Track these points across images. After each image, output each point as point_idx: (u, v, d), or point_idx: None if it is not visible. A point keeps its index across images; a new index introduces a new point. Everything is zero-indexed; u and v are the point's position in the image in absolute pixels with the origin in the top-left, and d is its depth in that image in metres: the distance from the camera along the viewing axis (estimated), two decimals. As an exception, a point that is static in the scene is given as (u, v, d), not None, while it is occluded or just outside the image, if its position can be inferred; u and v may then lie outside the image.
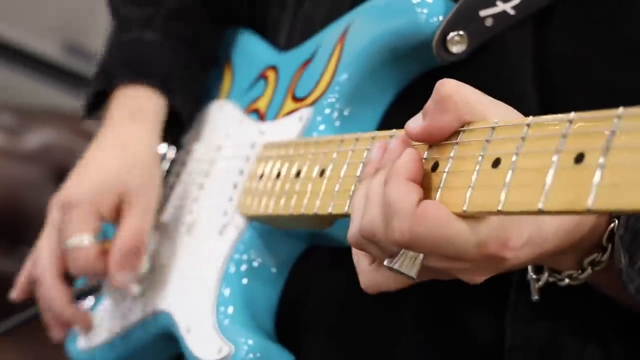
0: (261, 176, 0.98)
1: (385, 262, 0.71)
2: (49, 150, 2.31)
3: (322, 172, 0.87)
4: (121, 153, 1.12)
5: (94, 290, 1.20)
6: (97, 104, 1.19)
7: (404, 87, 0.95)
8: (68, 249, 1.08)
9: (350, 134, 0.87)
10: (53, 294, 1.12)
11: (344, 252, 0.93)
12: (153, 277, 1.12)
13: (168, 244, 1.13)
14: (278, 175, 0.94)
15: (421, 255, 0.69)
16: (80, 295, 1.20)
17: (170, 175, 1.19)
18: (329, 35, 1.01)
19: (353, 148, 0.84)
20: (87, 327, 1.17)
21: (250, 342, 0.92)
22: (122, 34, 1.21)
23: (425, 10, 0.89)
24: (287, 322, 0.99)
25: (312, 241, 0.98)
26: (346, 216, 0.82)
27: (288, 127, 1.00)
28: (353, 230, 0.74)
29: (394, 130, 0.81)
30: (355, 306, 0.97)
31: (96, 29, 2.66)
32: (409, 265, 0.69)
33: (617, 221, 0.76)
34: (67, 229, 1.09)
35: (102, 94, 1.18)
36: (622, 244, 0.76)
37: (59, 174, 2.36)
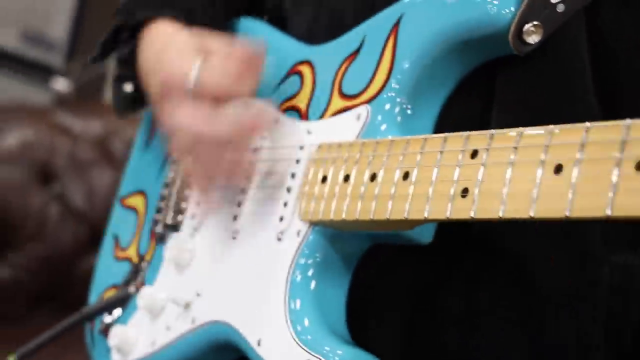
0: (324, 179, 0.92)
1: None
2: (28, 148, 2.23)
3: (405, 176, 0.82)
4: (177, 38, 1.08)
5: (123, 300, 1.16)
6: (116, 43, 1.15)
7: (464, 77, 0.90)
8: (191, 81, 1.00)
9: (431, 136, 0.83)
10: (213, 123, 0.99)
11: (408, 248, 0.92)
12: (197, 288, 1.07)
13: (210, 251, 1.07)
14: (346, 178, 0.89)
15: None
16: (108, 307, 1.16)
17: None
18: (377, 26, 0.95)
19: (442, 148, 0.80)
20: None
21: (339, 352, 0.86)
22: None
23: (496, 2, 0.84)
24: (356, 321, 0.95)
25: (377, 240, 0.93)
26: (440, 221, 0.79)
27: (343, 126, 0.94)
28: None
29: (491, 130, 0.77)
30: (424, 301, 0.94)
31: (56, 17, 2.58)
32: None
33: None
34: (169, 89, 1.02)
35: (122, 31, 1.15)
36: None
37: (42, 172, 2.28)
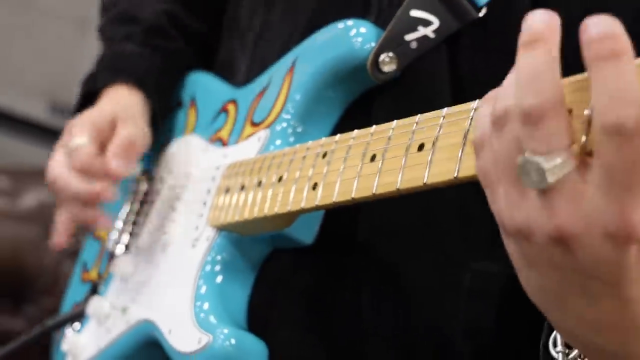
0: (227, 190, 1.08)
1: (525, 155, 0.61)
2: (44, 209, 2.39)
3: (280, 178, 0.97)
4: (113, 102, 1.27)
5: (78, 316, 1.32)
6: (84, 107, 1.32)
7: (350, 103, 1.05)
8: (72, 150, 1.20)
9: (302, 144, 0.98)
10: (69, 180, 1.21)
11: (306, 253, 1.04)
12: (134, 294, 1.22)
13: (145, 265, 1.23)
14: (242, 187, 1.05)
15: (570, 168, 0.60)
16: (66, 322, 1.32)
17: (145, 204, 1.30)
18: (280, 68, 1.11)
19: (305, 154, 0.96)
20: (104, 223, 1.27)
21: (225, 330, 1.00)
22: (107, 49, 1.37)
23: (359, 39, 1.00)
24: (259, 321, 1.07)
25: (276, 244, 1.07)
26: (303, 212, 0.94)
27: (248, 147, 1.10)
28: (503, 103, 0.64)
29: (338, 135, 0.93)
30: (321, 304, 1.06)
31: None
32: (552, 171, 0.60)
33: None
34: (70, 138, 1.22)
35: (89, 98, 1.32)
36: None
37: (55, 233, 2.46)
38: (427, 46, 0.99)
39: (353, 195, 0.85)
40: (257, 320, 1.07)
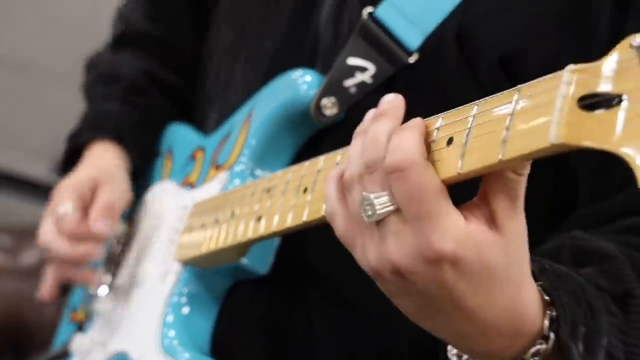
0: (191, 228, 1.18)
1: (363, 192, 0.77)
2: (45, 266, 2.50)
3: (232, 214, 1.08)
4: (93, 165, 1.36)
5: (63, 354, 1.41)
6: (69, 166, 1.41)
7: (301, 145, 1.15)
8: (58, 218, 1.29)
9: (252, 181, 1.09)
10: (58, 246, 1.30)
11: (263, 283, 1.14)
12: (113, 329, 1.31)
13: (123, 302, 1.32)
14: (203, 224, 1.15)
15: (391, 207, 0.75)
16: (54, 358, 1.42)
17: (125, 246, 1.39)
18: (240, 116, 1.22)
19: (253, 191, 1.06)
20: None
21: (186, 355, 1.10)
22: (89, 108, 1.47)
23: (304, 87, 1.11)
24: (223, 349, 1.16)
25: (236, 276, 1.16)
26: (250, 242, 1.04)
27: (211, 188, 1.21)
28: (349, 171, 0.80)
29: (280, 171, 1.04)
30: (277, 329, 1.15)
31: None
32: (379, 206, 0.75)
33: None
34: (56, 204, 1.32)
35: (72, 156, 1.41)
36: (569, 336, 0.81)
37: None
38: (366, 90, 1.09)
39: (288, 225, 0.95)
40: (220, 348, 1.16)
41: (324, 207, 0.87)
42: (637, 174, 0.58)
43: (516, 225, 0.75)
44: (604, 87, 0.62)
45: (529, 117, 0.68)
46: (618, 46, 0.63)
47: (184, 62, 1.50)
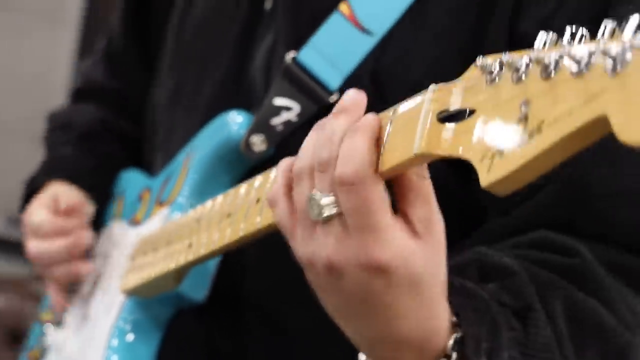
0: (134, 259, 1.27)
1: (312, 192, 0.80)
2: (2, 314, 2.59)
3: (168, 242, 1.17)
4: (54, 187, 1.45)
5: None
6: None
7: (237, 179, 1.21)
8: (36, 227, 1.39)
9: (185, 214, 1.18)
10: (49, 247, 1.38)
11: (201, 311, 1.21)
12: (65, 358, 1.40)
13: (75, 335, 1.40)
14: (145, 254, 1.24)
15: (336, 211, 0.78)
16: None
17: (76, 286, 1.47)
18: (180, 158, 1.31)
19: (186, 221, 1.15)
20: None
21: None
22: (47, 155, 1.56)
23: (235, 126, 1.21)
24: None
25: (176, 304, 1.23)
26: (183, 268, 1.13)
27: (154, 223, 1.30)
28: (300, 163, 0.83)
29: (209, 201, 1.13)
30: (216, 356, 1.23)
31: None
32: (326, 208, 0.79)
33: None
34: (29, 223, 1.42)
35: (29, 200, 1.48)
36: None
37: (12, 336, 2.62)
38: (292, 127, 1.17)
39: (214, 248, 1.04)
40: None
41: (241, 227, 0.96)
42: (480, 174, 0.67)
43: (436, 235, 0.80)
44: (456, 102, 0.72)
45: (401, 131, 0.77)
46: (469, 68, 0.73)
47: (139, 113, 1.59)
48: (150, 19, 1.53)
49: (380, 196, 0.77)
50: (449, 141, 0.72)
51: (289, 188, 0.85)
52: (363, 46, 1.14)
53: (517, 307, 0.94)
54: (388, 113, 0.80)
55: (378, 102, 1.13)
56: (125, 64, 1.59)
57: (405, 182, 0.80)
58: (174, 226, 1.19)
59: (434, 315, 0.84)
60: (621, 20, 0.60)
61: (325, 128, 0.82)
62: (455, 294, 0.87)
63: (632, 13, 0.60)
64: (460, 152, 0.70)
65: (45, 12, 3.25)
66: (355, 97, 0.83)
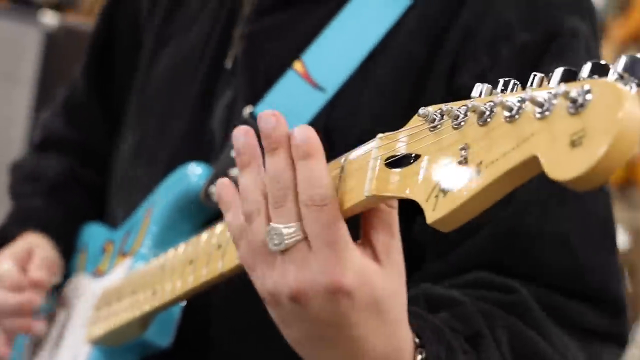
0: (98, 310, 1.31)
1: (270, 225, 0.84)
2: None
3: (133, 291, 1.21)
4: (26, 239, 1.47)
5: None
6: None
7: (198, 228, 1.26)
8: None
9: (149, 264, 1.23)
10: (3, 298, 1.38)
11: (167, 357, 1.25)
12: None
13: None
14: (109, 304, 1.28)
15: (300, 237, 0.82)
16: None
17: (42, 339, 1.49)
18: (142, 209, 1.36)
19: (149, 269, 1.20)
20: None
21: None
22: (16, 205, 1.58)
23: (195, 178, 1.26)
24: None
25: (142, 351, 1.26)
26: (147, 315, 1.17)
27: (118, 274, 1.33)
28: (248, 207, 0.86)
29: (171, 250, 1.17)
30: None
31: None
32: (287, 236, 0.83)
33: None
34: None
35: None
36: None
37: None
38: None
39: (177, 294, 1.08)
40: None
41: (203, 272, 1.01)
42: (426, 213, 0.73)
43: (395, 259, 0.85)
44: (402, 148, 0.78)
45: (352, 176, 0.83)
46: (413, 117, 0.79)
47: (102, 164, 1.63)
48: (113, 75, 1.58)
49: (341, 217, 0.82)
50: (397, 184, 0.77)
51: (247, 226, 0.88)
52: (316, 102, 1.21)
53: (468, 333, 1.00)
54: (340, 160, 0.86)
55: (329, 154, 1.19)
56: (87, 117, 1.63)
57: (372, 209, 0.85)
58: (137, 275, 1.23)
59: (397, 336, 0.88)
60: (548, 73, 0.67)
61: (268, 169, 0.85)
62: (414, 319, 0.92)
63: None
64: (407, 193, 0.76)
65: (2, 72, 3.28)
66: (280, 130, 0.86)
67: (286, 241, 0.82)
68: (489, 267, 1.09)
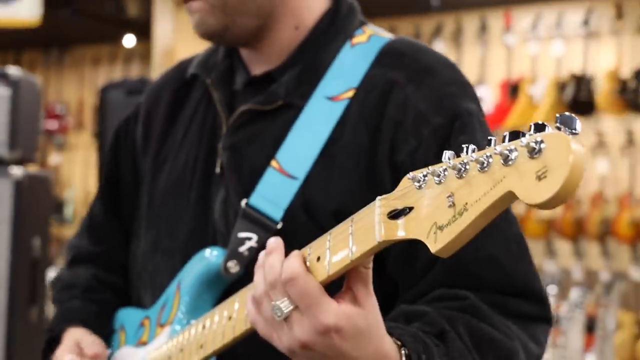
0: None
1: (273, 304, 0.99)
2: None
3: (181, 350, 1.26)
4: (73, 335, 1.50)
5: None
6: (48, 354, 1.52)
7: (220, 295, 1.34)
8: None
9: (187, 327, 1.30)
10: None
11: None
12: None
13: None
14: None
15: (291, 307, 0.98)
16: None
17: None
18: (171, 288, 1.40)
19: (192, 330, 1.26)
20: None
21: None
22: (59, 309, 1.61)
23: (213, 258, 1.33)
24: None
25: None
26: None
27: (160, 340, 1.38)
28: (258, 292, 1.03)
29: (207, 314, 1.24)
30: None
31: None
32: (284, 308, 0.98)
33: None
34: None
35: (50, 345, 1.53)
36: None
37: None
38: (254, 251, 1.30)
39: (225, 341, 1.15)
40: None
41: (245, 322, 1.09)
42: (429, 245, 0.83)
43: (371, 301, 1.00)
44: (398, 204, 0.88)
45: (361, 231, 0.92)
46: (402, 180, 0.89)
47: (122, 268, 1.67)
48: (123, 197, 1.65)
49: (313, 283, 0.97)
50: (401, 229, 0.87)
51: (259, 309, 1.04)
52: (292, 188, 1.30)
53: (435, 332, 1.13)
54: (349, 220, 0.96)
55: (312, 226, 1.29)
56: (107, 233, 1.69)
57: (353, 269, 0.98)
58: (182, 337, 1.28)
59: (383, 348, 1.02)
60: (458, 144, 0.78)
61: (266, 264, 1.02)
62: (394, 331, 1.07)
63: (464, 144, 0.81)
64: (410, 235, 0.85)
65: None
66: (277, 242, 1.04)
67: (284, 311, 0.98)
68: (446, 286, 1.23)
